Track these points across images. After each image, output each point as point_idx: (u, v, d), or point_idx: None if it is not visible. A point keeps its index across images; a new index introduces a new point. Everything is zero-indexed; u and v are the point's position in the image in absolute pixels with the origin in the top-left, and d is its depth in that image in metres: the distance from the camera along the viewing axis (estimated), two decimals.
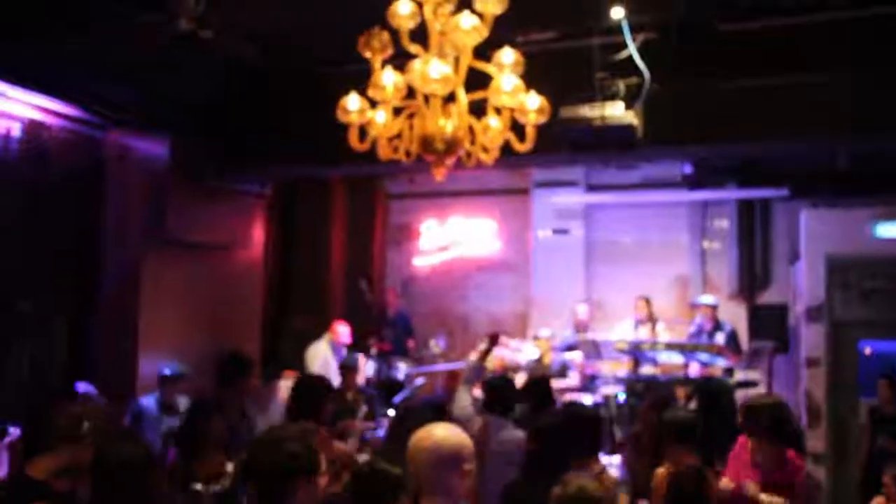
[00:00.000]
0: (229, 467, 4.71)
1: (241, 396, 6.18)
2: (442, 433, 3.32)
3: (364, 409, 7.57)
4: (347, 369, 8.37)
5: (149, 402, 7.62)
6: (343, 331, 9.90)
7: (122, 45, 7.26)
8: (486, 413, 5.76)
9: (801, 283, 9.84)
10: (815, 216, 9.60)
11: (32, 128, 7.82)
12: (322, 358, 9.55)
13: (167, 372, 7.71)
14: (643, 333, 10.10)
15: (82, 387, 6.60)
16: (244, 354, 6.62)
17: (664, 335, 10.05)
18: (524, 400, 6.30)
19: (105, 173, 8.67)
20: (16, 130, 7.67)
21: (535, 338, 10.18)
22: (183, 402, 7.38)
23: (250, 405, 6.44)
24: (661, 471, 4.92)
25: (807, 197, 9.93)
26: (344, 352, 9.67)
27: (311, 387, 5.39)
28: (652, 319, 10.28)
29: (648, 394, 8.00)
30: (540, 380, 6.76)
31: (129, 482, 3.38)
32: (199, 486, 4.55)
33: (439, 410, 7.48)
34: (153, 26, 6.79)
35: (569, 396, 9.32)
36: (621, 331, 10.33)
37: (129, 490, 3.39)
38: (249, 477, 3.24)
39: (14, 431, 5.81)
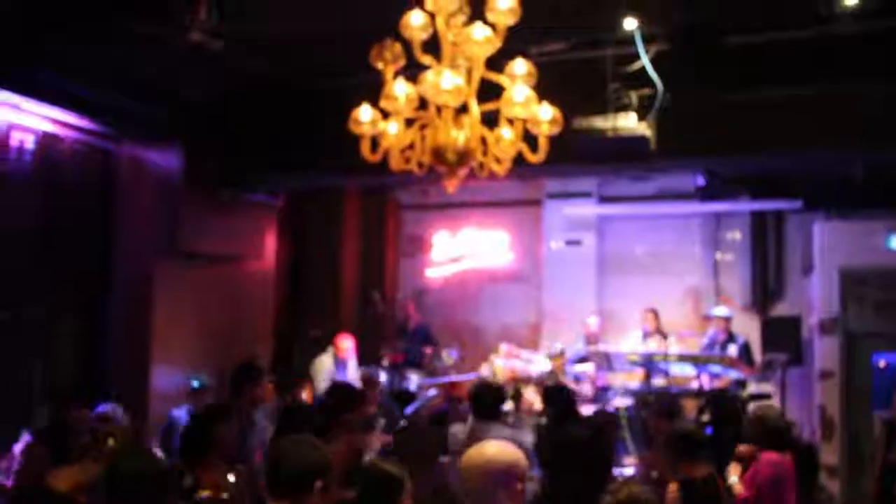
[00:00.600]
0: (233, 475, 4.70)
1: (250, 404, 6.18)
2: (494, 450, 3.30)
3: (382, 422, 7.49)
4: (370, 384, 8.22)
5: (180, 413, 7.65)
6: (345, 345, 9.67)
7: (133, 57, 7.30)
8: (473, 418, 5.76)
9: (814, 295, 9.79)
10: (829, 228, 9.57)
11: (45, 140, 7.85)
12: (327, 371, 9.49)
13: (195, 385, 7.88)
14: (651, 345, 10.05)
15: (105, 408, 6.58)
16: (255, 363, 6.64)
17: (674, 347, 10.00)
18: (545, 409, 6.30)
19: (117, 185, 8.70)
20: (29, 143, 7.70)
21: (550, 357, 10.07)
22: None
23: (261, 414, 6.44)
24: (672, 486, 4.88)
25: (820, 209, 9.89)
26: (349, 365, 9.60)
27: (341, 393, 5.44)
28: (660, 331, 10.23)
29: (653, 404, 7.94)
30: (561, 389, 6.75)
31: (142, 495, 3.38)
32: (202, 494, 4.54)
33: (439, 422, 7.47)
34: (165, 38, 6.82)
35: (580, 408, 9.27)
36: (629, 342, 10.28)
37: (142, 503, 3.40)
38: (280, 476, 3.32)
39: (26, 437, 5.81)
